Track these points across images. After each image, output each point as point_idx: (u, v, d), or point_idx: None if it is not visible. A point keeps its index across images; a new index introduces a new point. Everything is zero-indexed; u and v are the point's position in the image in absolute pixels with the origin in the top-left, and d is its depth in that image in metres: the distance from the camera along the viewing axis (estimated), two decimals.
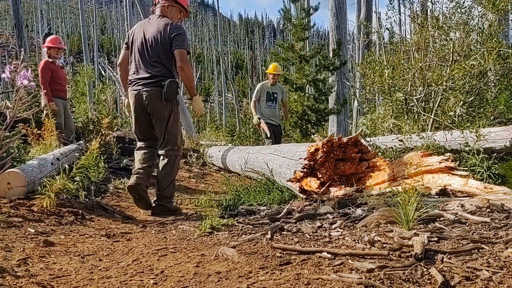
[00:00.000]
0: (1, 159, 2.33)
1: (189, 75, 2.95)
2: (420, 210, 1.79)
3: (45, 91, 5.34)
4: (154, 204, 3.00)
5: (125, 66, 3.11)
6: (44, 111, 4.54)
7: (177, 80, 3.03)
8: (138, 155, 3.11)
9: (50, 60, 5.52)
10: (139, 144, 3.17)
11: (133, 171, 3.09)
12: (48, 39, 5.67)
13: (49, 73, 5.42)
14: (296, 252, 1.41)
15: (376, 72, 5.58)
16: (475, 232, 1.61)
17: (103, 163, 4.16)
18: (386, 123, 5.18)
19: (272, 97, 6.49)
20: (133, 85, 3.00)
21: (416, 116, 5.12)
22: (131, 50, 3.06)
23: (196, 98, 3.08)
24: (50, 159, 3.33)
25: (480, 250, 1.32)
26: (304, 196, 2.97)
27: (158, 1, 3.11)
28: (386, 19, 7.39)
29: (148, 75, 2.93)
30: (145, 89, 2.92)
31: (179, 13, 3.16)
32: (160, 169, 3.02)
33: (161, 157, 3.05)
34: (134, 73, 3.01)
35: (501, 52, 4.77)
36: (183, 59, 2.90)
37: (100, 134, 4.92)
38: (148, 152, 3.11)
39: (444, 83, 4.67)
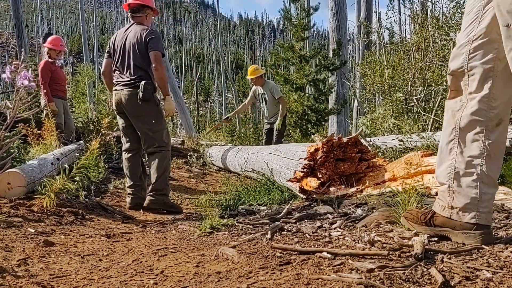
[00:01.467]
0: (1, 159, 2.33)
1: (162, 75, 3.16)
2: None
3: (45, 91, 5.34)
4: (146, 198, 3.12)
5: (109, 73, 3.34)
6: (44, 111, 4.55)
7: (153, 81, 3.21)
8: (125, 163, 3.32)
9: (50, 60, 5.52)
10: (125, 145, 3.35)
11: (127, 187, 3.29)
12: (50, 39, 5.67)
13: (49, 73, 5.42)
14: (296, 252, 1.41)
15: (376, 72, 5.59)
16: None
17: (103, 163, 4.16)
18: (386, 123, 5.18)
19: (262, 99, 6.53)
20: (115, 86, 3.26)
21: (416, 116, 5.13)
22: (113, 57, 3.29)
23: (168, 98, 3.28)
24: (50, 159, 3.33)
25: (480, 250, 1.32)
26: (304, 196, 2.97)
27: (133, 10, 3.32)
28: (386, 19, 7.41)
29: (128, 78, 3.18)
30: (124, 90, 3.17)
31: (152, 15, 3.43)
32: (151, 165, 3.20)
33: (150, 155, 3.24)
34: (117, 77, 3.26)
35: None
36: (157, 60, 3.13)
37: (100, 134, 4.92)
38: (132, 157, 3.30)
39: (444, 83, 4.68)
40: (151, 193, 3.10)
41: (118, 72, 3.23)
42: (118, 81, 3.22)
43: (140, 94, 3.07)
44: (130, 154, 3.28)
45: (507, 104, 1.45)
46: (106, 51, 3.37)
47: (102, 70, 3.45)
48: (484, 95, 1.43)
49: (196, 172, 6.51)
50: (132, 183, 3.20)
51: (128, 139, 3.30)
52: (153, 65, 3.10)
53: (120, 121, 3.31)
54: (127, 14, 3.51)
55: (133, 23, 3.29)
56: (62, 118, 5.56)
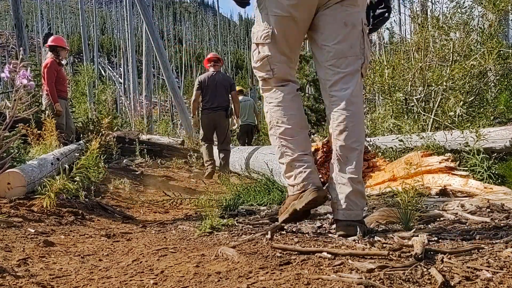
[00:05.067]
0: (1, 159, 2.33)
1: (239, 104, 6.45)
2: (420, 210, 1.79)
3: (48, 90, 5.34)
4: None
5: (197, 102, 5.91)
6: (47, 111, 4.55)
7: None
8: (206, 150, 5.80)
9: (56, 60, 5.52)
10: (206, 143, 5.88)
11: (205, 161, 5.82)
12: (57, 39, 5.67)
13: (55, 73, 5.42)
14: (296, 252, 1.41)
15: (376, 72, 5.59)
16: (475, 232, 1.61)
17: (103, 163, 4.16)
18: (386, 123, 5.18)
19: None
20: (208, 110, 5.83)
21: (416, 116, 5.13)
22: (203, 91, 5.79)
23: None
24: (50, 159, 3.33)
25: (480, 250, 1.32)
26: None
27: (212, 64, 5.94)
28: None
29: (217, 104, 5.80)
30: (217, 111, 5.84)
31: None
32: (224, 155, 5.83)
33: (225, 151, 5.87)
34: (207, 102, 5.83)
35: (501, 52, 4.77)
36: (237, 98, 6.16)
37: (100, 134, 4.92)
38: (211, 148, 5.89)
39: (444, 83, 4.68)
40: (224, 168, 5.67)
41: (210, 99, 5.83)
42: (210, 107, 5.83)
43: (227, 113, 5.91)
44: (209, 148, 5.90)
45: None
46: (197, 86, 5.88)
47: (193, 99, 5.96)
48: None
49: (196, 172, 6.51)
50: (208, 158, 5.77)
51: (209, 141, 5.96)
52: (235, 99, 6.04)
53: (206, 130, 5.95)
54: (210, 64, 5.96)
55: (217, 72, 5.89)
56: (64, 119, 5.57)
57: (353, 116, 1.67)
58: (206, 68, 6.12)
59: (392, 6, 1.90)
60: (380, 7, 1.80)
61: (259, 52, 1.80)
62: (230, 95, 5.83)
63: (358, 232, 1.59)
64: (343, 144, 1.67)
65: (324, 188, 1.75)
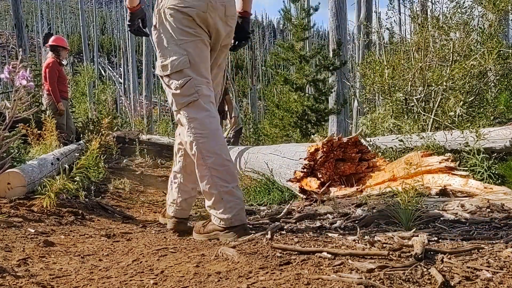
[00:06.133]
0: (1, 159, 2.33)
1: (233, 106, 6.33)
2: (420, 210, 1.79)
3: (49, 90, 5.34)
4: None
5: None
6: (47, 111, 4.55)
7: None
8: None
9: (57, 60, 5.52)
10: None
11: None
12: (58, 39, 5.67)
13: (57, 73, 5.43)
14: (296, 252, 1.41)
15: (376, 72, 5.58)
16: (475, 232, 1.61)
17: (103, 163, 4.16)
18: (386, 123, 5.18)
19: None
20: None
21: (416, 116, 5.12)
22: None
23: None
24: (50, 159, 3.33)
25: (480, 250, 1.32)
26: (304, 196, 2.97)
27: None
28: (386, 19, 7.41)
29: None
30: None
31: None
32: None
33: None
34: None
35: (501, 52, 4.77)
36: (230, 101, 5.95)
37: (100, 134, 4.92)
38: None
39: (444, 83, 4.67)
40: None
41: None
42: None
43: None
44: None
45: None
46: None
47: None
48: None
49: None
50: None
51: None
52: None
53: None
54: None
55: None
56: (64, 119, 5.58)
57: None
58: None
59: (251, 31, 2.15)
60: (245, 35, 2.06)
61: (177, 80, 1.83)
62: (224, 100, 6.32)
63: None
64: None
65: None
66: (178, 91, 1.82)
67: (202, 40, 1.84)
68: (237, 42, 2.07)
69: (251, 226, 2.11)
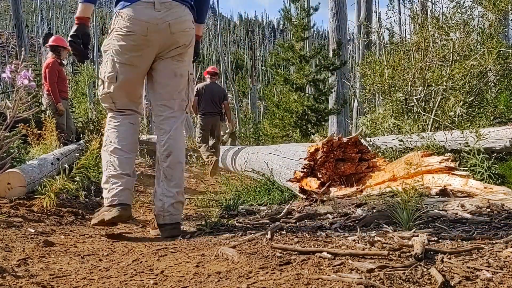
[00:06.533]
0: (1, 159, 2.33)
1: (230, 111, 7.01)
2: (420, 210, 1.79)
3: (49, 90, 5.34)
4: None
5: (196, 106, 6.55)
6: (47, 111, 4.55)
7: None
8: (204, 149, 6.40)
9: (57, 60, 5.52)
10: (205, 145, 6.49)
11: (205, 158, 6.28)
12: (58, 39, 5.67)
13: (57, 73, 5.43)
14: (296, 252, 1.41)
15: (376, 72, 5.59)
16: (475, 232, 1.61)
17: None
18: (386, 123, 5.18)
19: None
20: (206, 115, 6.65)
21: (416, 116, 5.12)
22: (200, 97, 6.54)
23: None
24: (50, 159, 3.33)
25: (480, 250, 1.32)
26: (304, 196, 2.97)
27: (209, 76, 6.80)
28: (386, 19, 7.41)
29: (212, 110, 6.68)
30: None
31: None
32: (216, 150, 6.62)
33: (217, 147, 6.70)
34: (204, 109, 6.64)
35: (501, 52, 4.77)
36: (228, 107, 6.97)
37: (100, 134, 4.91)
38: (208, 148, 6.49)
39: (444, 83, 4.67)
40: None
41: (206, 106, 6.63)
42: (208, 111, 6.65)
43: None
44: (208, 149, 6.50)
45: None
46: (195, 93, 6.00)
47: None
48: None
49: (196, 172, 6.51)
50: (207, 156, 6.25)
51: (207, 143, 6.59)
52: (227, 107, 6.92)
53: (206, 134, 6.72)
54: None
55: (213, 82, 6.82)
56: (64, 119, 5.58)
57: (177, 144, 2.11)
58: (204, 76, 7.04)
59: (200, 52, 2.42)
60: (194, 55, 2.28)
61: (103, 88, 2.13)
62: (223, 104, 6.85)
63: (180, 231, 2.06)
64: (168, 165, 2.08)
65: (129, 206, 2.08)
66: (101, 97, 2.17)
67: (134, 66, 2.08)
68: None
69: (251, 226, 2.12)
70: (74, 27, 1.98)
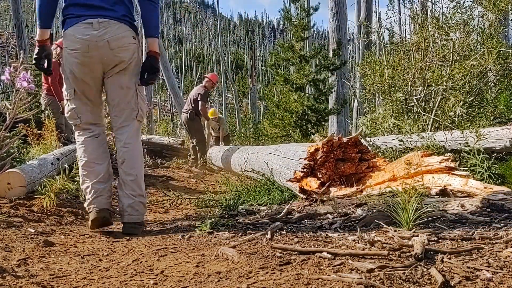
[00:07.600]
0: (1, 159, 2.33)
1: (204, 112, 7.31)
2: (420, 210, 1.79)
3: (48, 91, 5.34)
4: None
5: (205, 110, 7.28)
6: (46, 111, 4.55)
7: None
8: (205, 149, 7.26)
9: (58, 61, 5.53)
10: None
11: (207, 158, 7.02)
12: (58, 41, 5.67)
13: (57, 73, 5.44)
14: (296, 252, 1.41)
15: (376, 72, 5.58)
16: (475, 232, 1.61)
17: None
18: (386, 123, 5.18)
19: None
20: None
21: (416, 116, 5.12)
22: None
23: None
24: (50, 159, 3.33)
25: (480, 250, 1.32)
26: (304, 196, 2.97)
27: (205, 78, 7.47)
28: (386, 19, 7.41)
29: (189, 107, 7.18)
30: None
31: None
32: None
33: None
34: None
35: (501, 52, 4.76)
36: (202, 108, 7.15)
37: None
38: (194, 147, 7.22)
39: (444, 83, 4.67)
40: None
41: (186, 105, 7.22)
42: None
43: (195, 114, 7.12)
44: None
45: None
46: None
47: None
48: None
49: (196, 172, 6.51)
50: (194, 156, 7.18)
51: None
52: (200, 108, 7.08)
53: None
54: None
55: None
56: (64, 119, 5.57)
57: (130, 151, 2.33)
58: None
59: (159, 68, 2.52)
60: (151, 71, 2.39)
61: (68, 105, 2.35)
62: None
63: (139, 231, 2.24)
64: (124, 170, 2.32)
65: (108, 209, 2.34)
66: (67, 114, 2.37)
67: (84, 82, 2.29)
68: (146, 76, 2.39)
69: (251, 226, 2.12)
70: (36, 49, 2.24)
